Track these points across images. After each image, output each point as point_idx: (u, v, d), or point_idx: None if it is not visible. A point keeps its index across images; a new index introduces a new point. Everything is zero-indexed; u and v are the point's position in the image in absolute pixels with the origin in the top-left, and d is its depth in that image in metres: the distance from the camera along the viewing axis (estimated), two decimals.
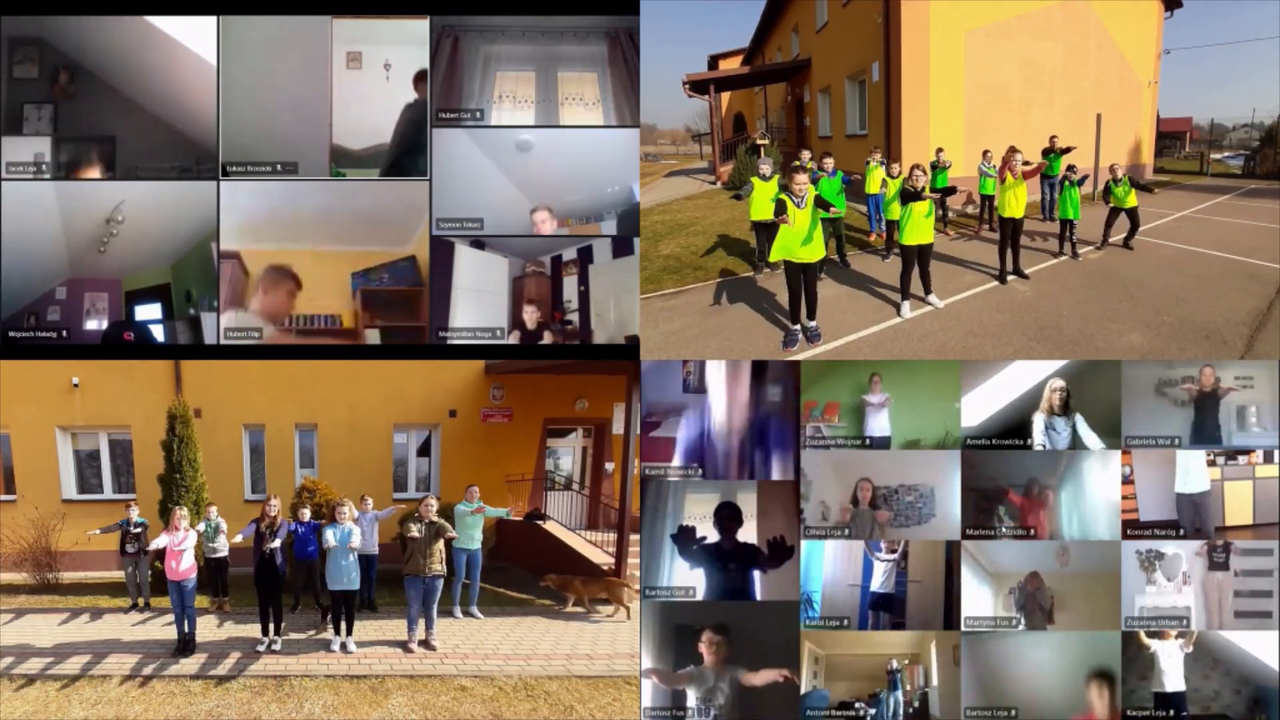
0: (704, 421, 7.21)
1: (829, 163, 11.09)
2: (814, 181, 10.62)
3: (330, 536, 8.52)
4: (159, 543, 8.66)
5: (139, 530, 10.06)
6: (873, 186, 11.70)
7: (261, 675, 7.99)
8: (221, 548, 9.69)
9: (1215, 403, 7.15)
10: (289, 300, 7.60)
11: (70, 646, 8.65)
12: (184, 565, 8.51)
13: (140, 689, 7.71)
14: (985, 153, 12.06)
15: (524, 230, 7.81)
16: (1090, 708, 6.99)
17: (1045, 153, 12.26)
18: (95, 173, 7.40)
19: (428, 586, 8.72)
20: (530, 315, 7.88)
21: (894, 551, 7.06)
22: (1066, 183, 11.20)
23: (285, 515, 9.21)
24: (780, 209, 8.24)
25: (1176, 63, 14.25)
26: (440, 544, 8.78)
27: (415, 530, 8.63)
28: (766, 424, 7.17)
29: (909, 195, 9.13)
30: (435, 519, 8.77)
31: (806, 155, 11.30)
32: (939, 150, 12.16)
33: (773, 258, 8.68)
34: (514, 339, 7.81)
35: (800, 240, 8.30)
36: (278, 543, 8.70)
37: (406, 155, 7.58)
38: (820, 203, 8.35)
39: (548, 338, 7.90)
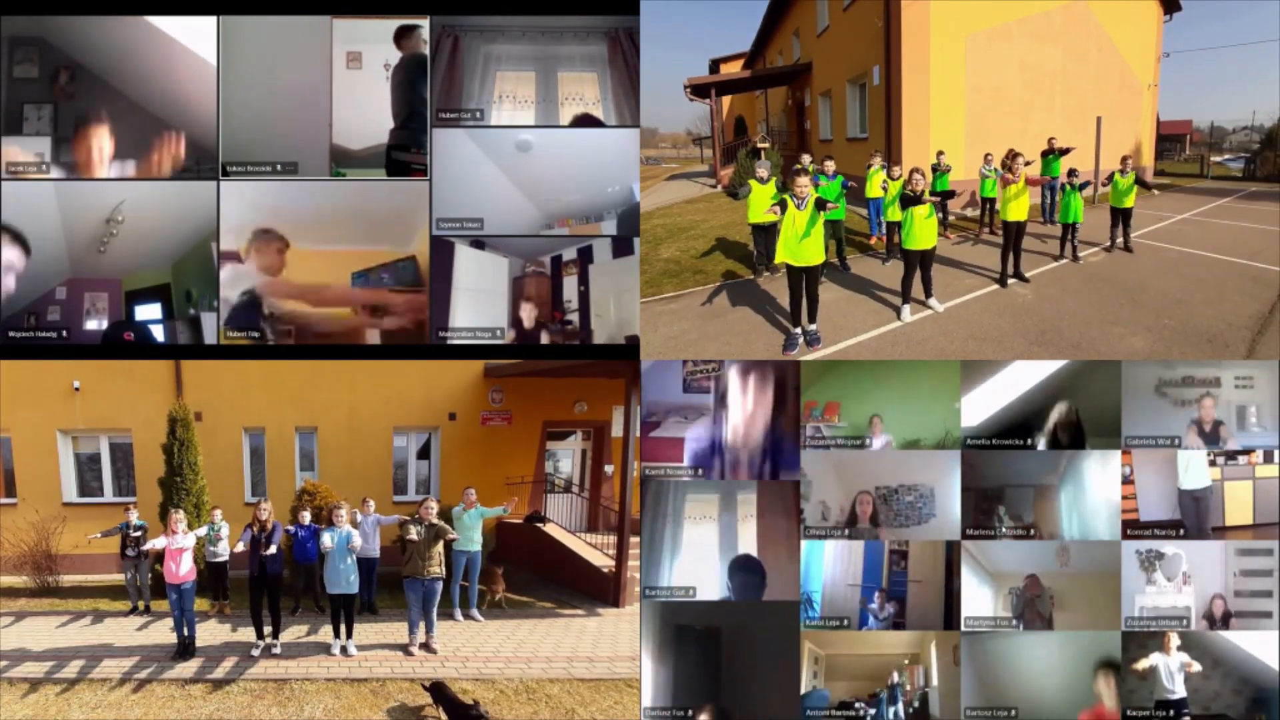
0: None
1: (829, 165, 11.14)
2: (814, 185, 10.70)
3: (327, 540, 8.52)
4: (157, 543, 8.63)
5: (139, 534, 10.05)
6: (873, 190, 11.72)
7: (262, 678, 7.96)
8: (222, 552, 9.65)
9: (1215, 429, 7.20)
10: (280, 258, 7.61)
11: (70, 650, 8.63)
12: (183, 569, 8.47)
13: (140, 692, 7.70)
14: (987, 156, 12.08)
15: (524, 230, 7.82)
16: (1099, 699, 6.98)
17: (1044, 154, 12.31)
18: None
19: (427, 589, 8.71)
20: (528, 314, 7.88)
21: (887, 606, 7.05)
22: (1068, 187, 11.20)
23: (279, 518, 9.17)
24: (781, 208, 8.31)
25: (1176, 66, 14.32)
26: (440, 546, 8.75)
27: (415, 533, 8.61)
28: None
29: (908, 200, 9.11)
30: (435, 521, 8.75)
31: (807, 159, 11.35)
32: (939, 153, 12.18)
33: (777, 259, 8.68)
34: (510, 338, 7.82)
35: (799, 238, 8.31)
36: (274, 549, 8.66)
37: (409, 122, 7.62)
38: (820, 203, 8.37)
39: (545, 338, 7.90)
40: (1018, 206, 10.18)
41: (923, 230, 9.18)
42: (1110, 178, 11.45)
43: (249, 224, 7.56)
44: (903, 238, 9.37)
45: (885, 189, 11.41)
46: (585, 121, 7.72)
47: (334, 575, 8.58)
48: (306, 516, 9.72)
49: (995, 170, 11.90)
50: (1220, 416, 7.14)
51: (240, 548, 8.80)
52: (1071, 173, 11.26)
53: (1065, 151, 12.22)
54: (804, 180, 8.34)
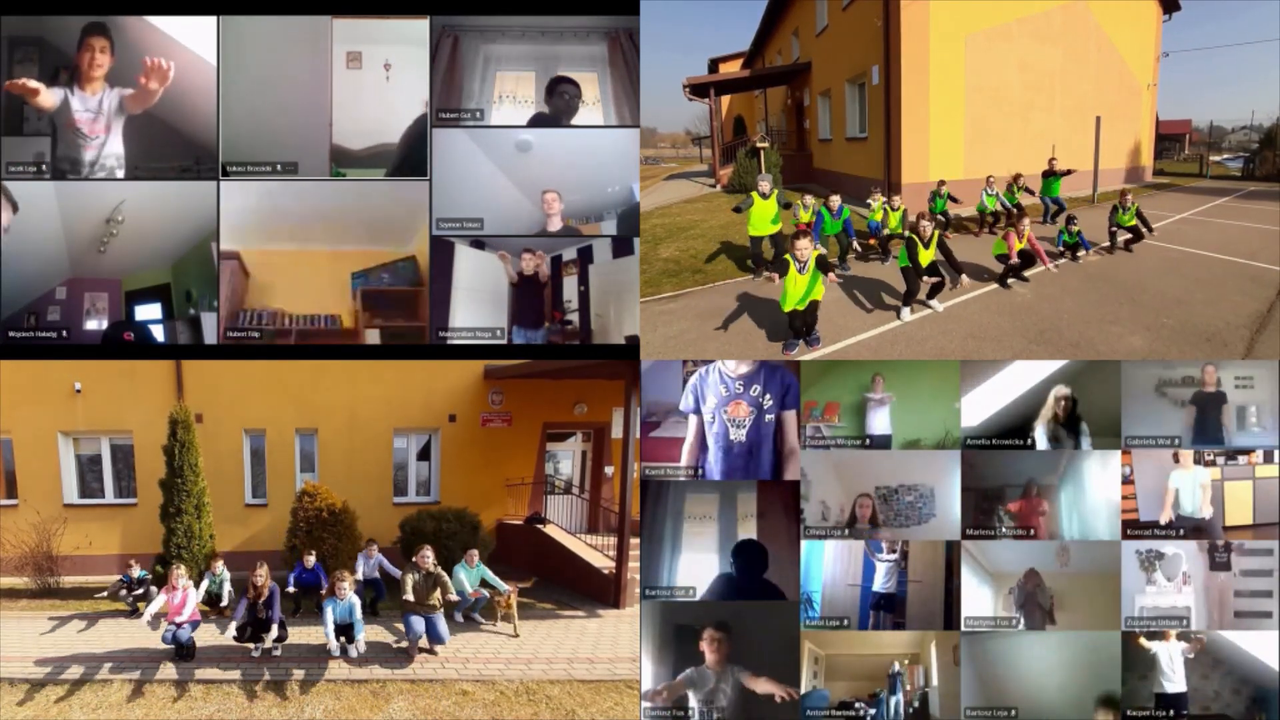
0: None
1: (835, 202, 11.14)
2: (818, 221, 10.77)
3: (330, 622, 8.41)
4: (157, 604, 8.56)
5: (140, 590, 9.98)
6: (875, 216, 11.77)
7: (262, 679, 7.97)
8: (226, 598, 9.65)
9: (1218, 403, 7.15)
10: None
11: (71, 651, 8.63)
12: (185, 615, 8.47)
13: (140, 694, 7.71)
14: (989, 179, 12.15)
15: (525, 229, 7.83)
16: None
17: (1045, 175, 12.41)
18: None
19: (427, 619, 8.61)
20: (529, 261, 7.88)
21: (894, 551, 7.05)
22: (1067, 230, 11.20)
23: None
24: (783, 269, 8.30)
25: (1175, 65, 14.33)
26: (438, 591, 8.63)
27: (410, 587, 8.52)
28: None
29: (913, 249, 9.19)
30: (433, 570, 8.65)
31: (810, 199, 11.28)
32: (940, 183, 12.22)
33: (785, 308, 8.50)
34: (511, 277, 7.88)
35: (800, 298, 8.32)
36: (274, 632, 8.40)
37: (417, 154, 7.64)
38: (821, 265, 8.31)
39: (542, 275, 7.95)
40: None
41: (920, 256, 9.27)
42: (1113, 211, 11.47)
43: (249, 224, 7.58)
44: (900, 258, 9.43)
45: (886, 216, 11.55)
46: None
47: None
48: (311, 560, 9.74)
49: (995, 195, 12.01)
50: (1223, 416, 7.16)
51: (233, 630, 8.58)
52: (1071, 219, 11.28)
53: (1066, 173, 12.30)
54: (804, 243, 8.27)
